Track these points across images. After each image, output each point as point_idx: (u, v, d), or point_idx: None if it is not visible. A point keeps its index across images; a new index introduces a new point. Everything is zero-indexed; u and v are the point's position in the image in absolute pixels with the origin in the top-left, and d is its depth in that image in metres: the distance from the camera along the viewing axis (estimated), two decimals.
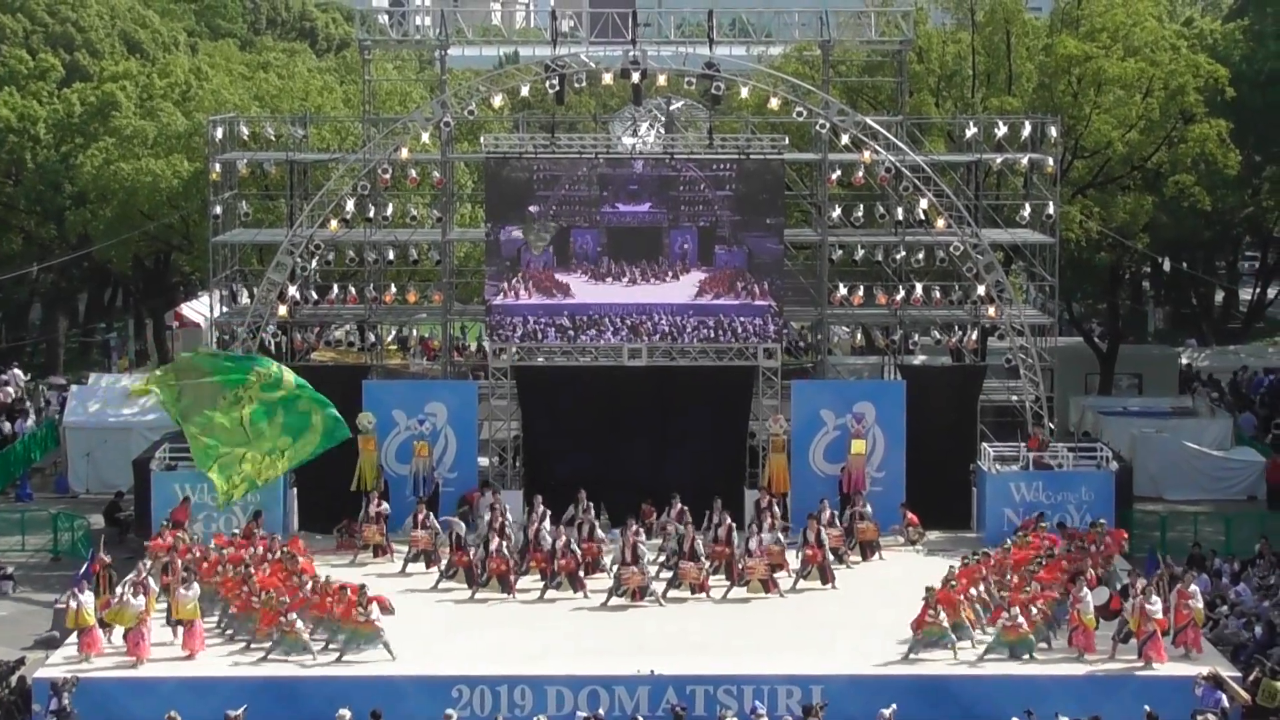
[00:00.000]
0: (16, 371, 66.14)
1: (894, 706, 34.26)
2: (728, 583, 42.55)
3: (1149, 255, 60.75)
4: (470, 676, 37.06)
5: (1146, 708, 33.86)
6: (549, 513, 44.18)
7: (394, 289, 52.41)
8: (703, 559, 42.34)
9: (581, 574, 42.57)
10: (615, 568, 42.33)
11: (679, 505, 44.33)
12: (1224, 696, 35.04)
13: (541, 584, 42.48)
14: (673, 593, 42.14)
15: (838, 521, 44.99)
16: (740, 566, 42.48)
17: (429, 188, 52.82)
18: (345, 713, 33.85)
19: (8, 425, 58.85)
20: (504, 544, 42.70)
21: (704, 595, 42.12)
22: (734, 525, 43.66)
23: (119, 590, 38.93)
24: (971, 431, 48.88)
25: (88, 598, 38.41)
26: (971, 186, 52.21)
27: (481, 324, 50.82)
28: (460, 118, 50.72)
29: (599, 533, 44.02)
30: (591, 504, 44.88)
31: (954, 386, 49.63)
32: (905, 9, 54.42)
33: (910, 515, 46.65)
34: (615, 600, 41.66)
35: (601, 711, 35.56)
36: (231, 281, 53.37)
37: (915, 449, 47.78)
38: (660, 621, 40.77)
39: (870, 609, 40.71)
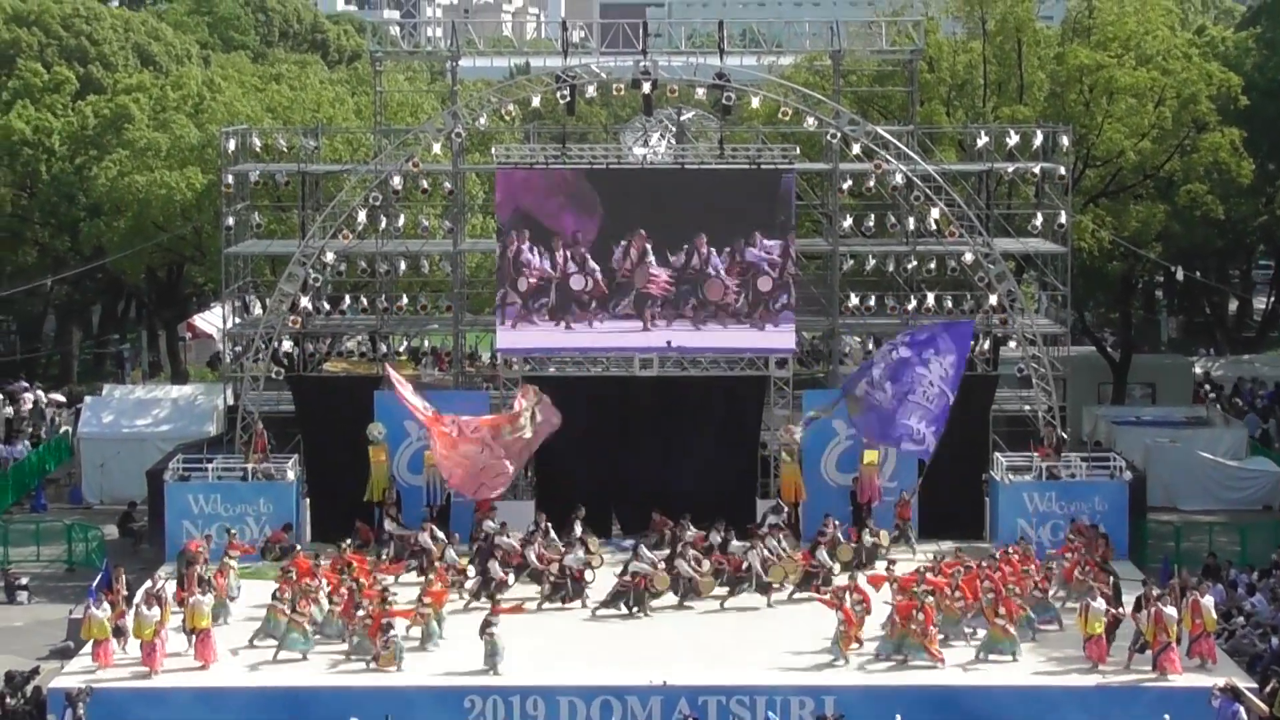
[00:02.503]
0: (37, 389, 66.33)
1: (898, 718, 34.38)
2: (728, 590, 42.68)
3: (1162, 264, 60.65)
4: (482, 687, 37.09)
5: (1166, 717, 33.80)
6: (550, 527, 44.31)
7: (405, 300, 52.45)
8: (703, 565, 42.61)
9: (585, 586, 42.74)
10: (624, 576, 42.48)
11: (690, 530, 44.22)
12: (1241, 708, 34.96)
13: (544, 595, 42.58)
14: (678, 600, 42.27)
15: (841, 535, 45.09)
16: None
17: (440, 198, 52.81)
18: None
19: (2, 449, 58.48)
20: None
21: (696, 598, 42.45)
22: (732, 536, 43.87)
23: (135, 601, 39.02)
24: (984, 441, 48.78)
25: (103, 609, 38.50)
26: (983, 196, 52.18)
27: (492, 335, 50.84)
28: (471, 128, 50.78)
29: (592, 545, 44.12)
30: (585, 518, 45.01)
31: (966, 396, 49.46)
32: (916, 19, 54.44)
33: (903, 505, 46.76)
34: (624, 609, 41.73)
35: None
36: (244, 293, 53.45)
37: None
38: (673, 631, 40.78)
39: (882, 620, 40.60)
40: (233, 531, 44.77)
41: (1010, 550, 42.73)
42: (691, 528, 44.10)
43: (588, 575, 42.94)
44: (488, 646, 37.92)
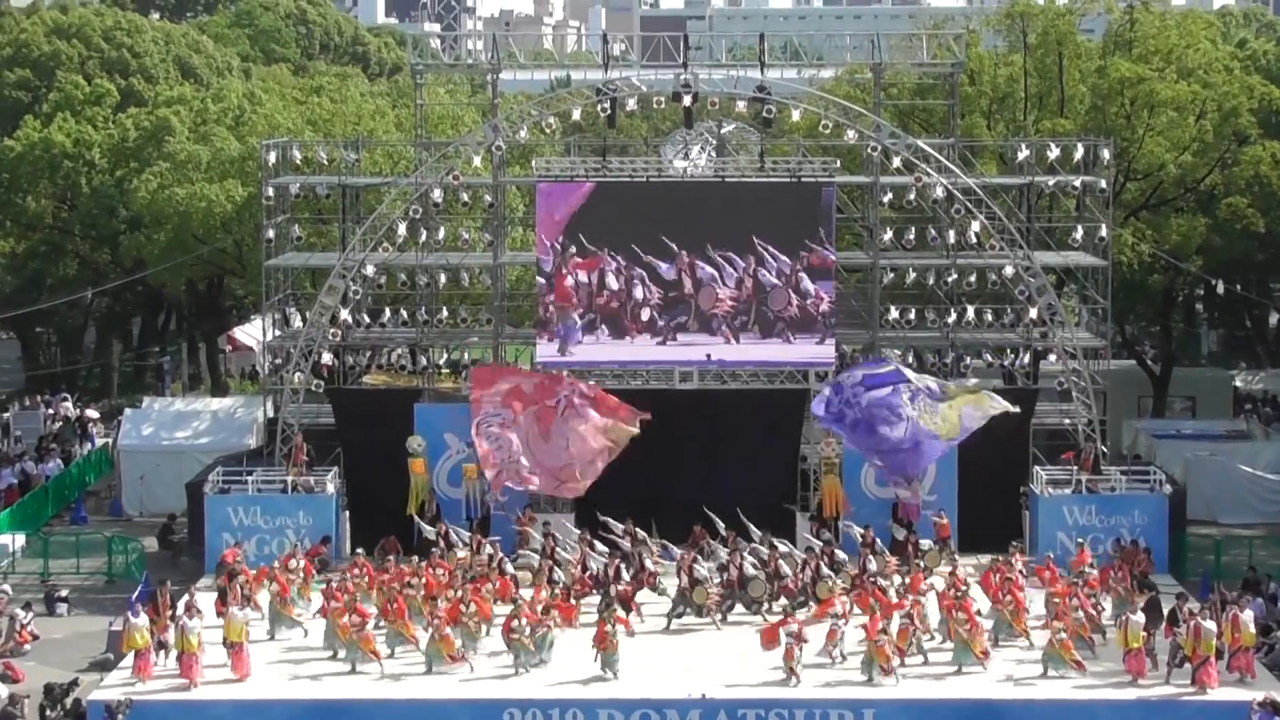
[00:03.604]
0: (77, 404, 66.47)
1: None
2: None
3: (1202, 277, 60.46)
4: (522, 700, 37.11)
5: None
6: (594, 540, 44.32)
7: (445, 312, 52.53)
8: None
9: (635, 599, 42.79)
10: (675, 590, 42.47)
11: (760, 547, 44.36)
12: None
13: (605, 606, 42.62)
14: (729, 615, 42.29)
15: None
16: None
17: (480, 211, 52.95)
18: None
19: (32, 466, 58.23)
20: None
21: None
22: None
23: (178, 615, 39.10)
24: (1024, 454, 48.69)
25: (142, 619, 38.60)
26: (1023, 209, 52.04)
27: (532, 348, 50.96)
28: (512, 141, 50.84)
29: (648, 564, 44.02)
30: (642, 532, 44.97)
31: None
32: (957, 32, 54.39)
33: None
34: (675, 622, 41.83)
35: None
36: (284, 305, 53.53)
37: (967, 472, 47.68)
38: (713, 645, 40.76)
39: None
40: (294, 544, 44.91)
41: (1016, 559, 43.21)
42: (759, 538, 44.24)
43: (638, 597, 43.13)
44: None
